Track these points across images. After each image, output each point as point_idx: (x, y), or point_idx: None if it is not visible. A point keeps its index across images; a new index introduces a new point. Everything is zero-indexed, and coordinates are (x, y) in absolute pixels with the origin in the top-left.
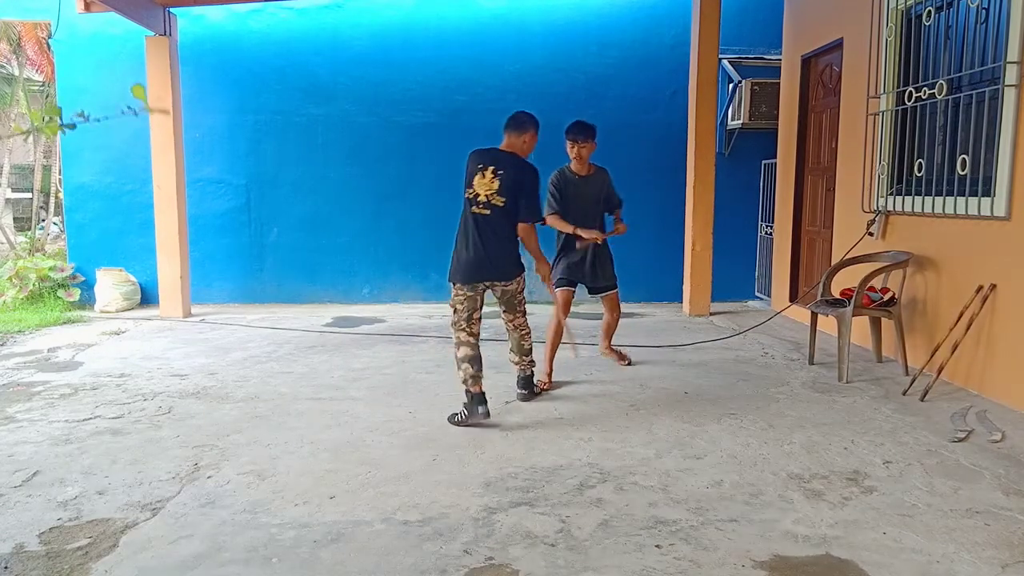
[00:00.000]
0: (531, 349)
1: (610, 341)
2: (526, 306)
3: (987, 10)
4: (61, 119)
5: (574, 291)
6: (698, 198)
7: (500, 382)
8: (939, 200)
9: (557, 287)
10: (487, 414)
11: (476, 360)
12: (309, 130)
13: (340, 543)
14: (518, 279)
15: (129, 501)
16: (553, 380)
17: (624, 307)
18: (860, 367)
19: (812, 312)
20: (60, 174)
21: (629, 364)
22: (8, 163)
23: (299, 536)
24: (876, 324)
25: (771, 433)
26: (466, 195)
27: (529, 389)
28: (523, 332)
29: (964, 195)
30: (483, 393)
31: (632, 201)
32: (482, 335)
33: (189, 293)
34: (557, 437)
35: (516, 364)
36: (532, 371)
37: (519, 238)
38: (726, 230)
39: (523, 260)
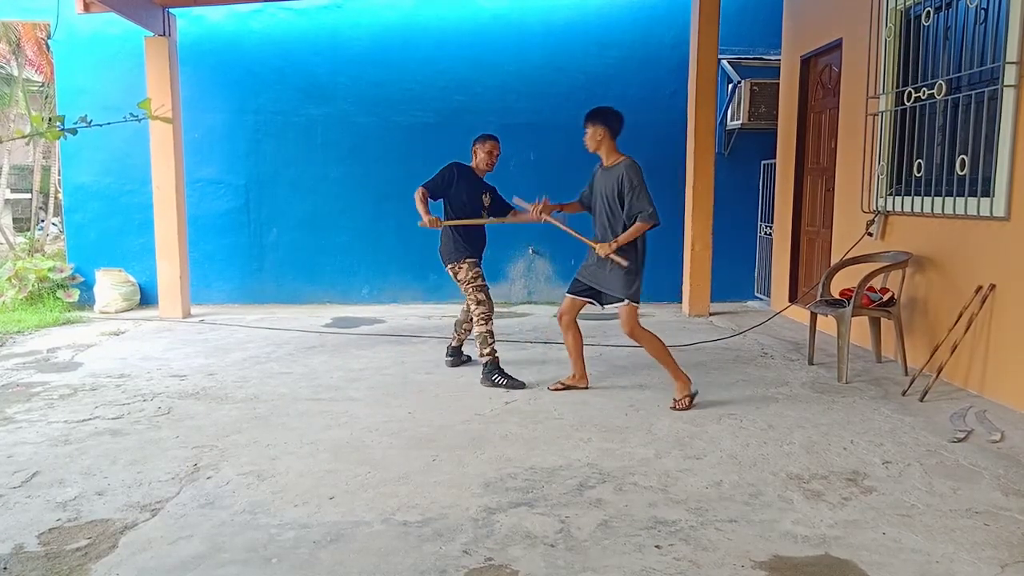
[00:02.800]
0: (474, 332)
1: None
2: (480, 295)
3: (986, 10)
4: (63, 124)
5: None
6: (697, 198)
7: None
8: (938, 200)
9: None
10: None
11: (458, 322)
12: (308, 130)
13: (340, 543)
14: (450, 267)
15: (128, 502)
16: (553, 379)
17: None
18: (859, 367)
19: (811, 312)
20: (59, 175)
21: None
22: (7, 163)
23: (299, 537)
24: (875, 324)
25: (771, 433)
26: None
27: (455, 357)
28: (472, 316)
29: (963, 195)
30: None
31: None
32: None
33: (188, 293)
34: (557, 437)
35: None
36: (458, 344)
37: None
38: (725, 230)
39: (458, 250)
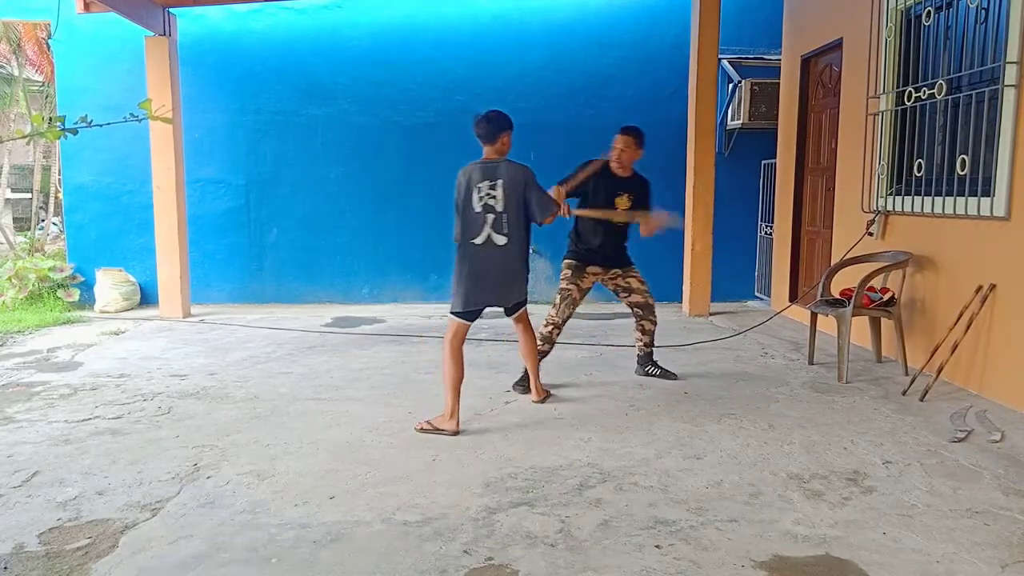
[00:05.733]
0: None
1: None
2: (556, 298)
3: (986, 10)
4: (63, 124)
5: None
6: (698, 198)
7: (499, 382)
8: (939, 200)
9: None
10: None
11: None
12: (309, 130)
13: (340, 543)
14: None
15: (129, 501)
16: (550, 381)
17: (623, 307)
18: (860, 367)
19: (812, 312)
20: (60, 174)
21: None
22: (8, 163)
23: (299, 536)
24: (876, 324)
25: (771, 433)
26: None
27: (640, 366)
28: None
29: (964, 195)
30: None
31: None
32: (481, 336)
33: (189, 293)
34: (557, 437)
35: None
36: (641, 352)
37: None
38: (726, 230)
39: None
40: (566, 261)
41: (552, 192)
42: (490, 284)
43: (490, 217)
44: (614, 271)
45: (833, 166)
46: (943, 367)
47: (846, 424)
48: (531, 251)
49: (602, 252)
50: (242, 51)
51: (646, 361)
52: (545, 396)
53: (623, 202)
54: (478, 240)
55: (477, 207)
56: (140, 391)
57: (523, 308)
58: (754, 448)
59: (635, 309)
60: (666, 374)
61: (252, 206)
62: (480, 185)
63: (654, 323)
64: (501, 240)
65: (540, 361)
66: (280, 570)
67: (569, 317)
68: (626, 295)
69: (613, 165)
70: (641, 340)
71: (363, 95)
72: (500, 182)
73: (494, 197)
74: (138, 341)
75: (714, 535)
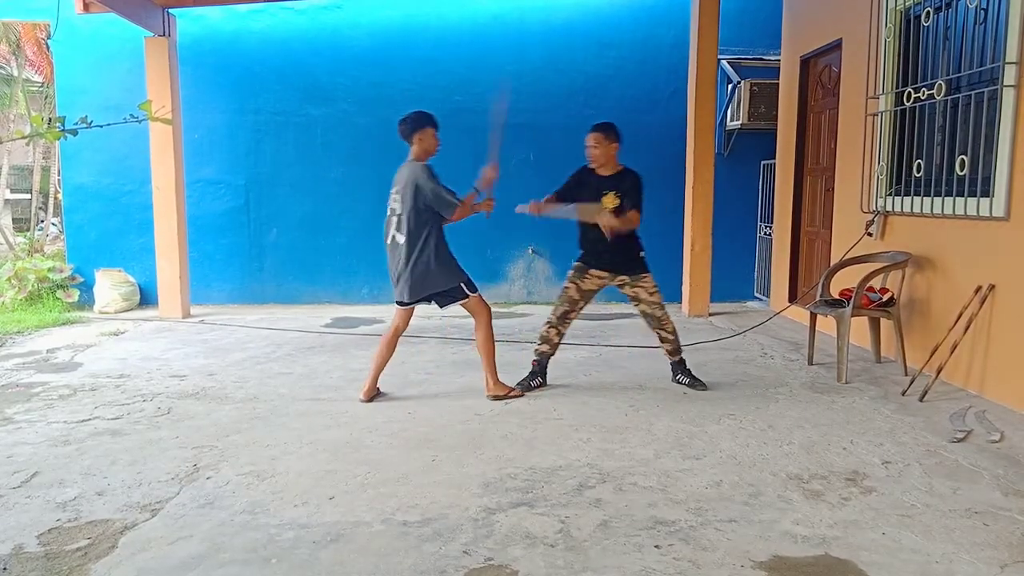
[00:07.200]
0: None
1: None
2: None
3: (986, 10)
4: (63, 125)
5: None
6: (697, 198)
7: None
8: (938, 200)
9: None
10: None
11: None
12: (308, 130)
13: (339, 544)
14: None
15: (128, 502)
16: (548, 381)
17: (623, 307)
18: (859, 367)
19: (811, 312)
20: (59, 175)
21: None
22: (7, 164)
23: (298, 537)
24: (875, 324)
25: (770, 433)
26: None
27: (672, 372)
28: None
29: (963, 195)
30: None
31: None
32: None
33: (188, 294)
34: (557, 437)
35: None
36: (669, 359)
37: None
38: (725, 230)
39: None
40: (574, 263)
41: (541, 203)
42: (393, 280)
43: (394, 219)
44: (621, 278)
45: (833, 166)
46: (942, 367)
47: (846, 424)
48: (530, 251)
49: (603, 256)
50: (242, 51)
51: (676, 369)
52: (501, 395)
53: (610, 200)
54: (387, 240)
55: (388, 209)
56: (140, 392)
57: (465, 300)
58: (754, 448)
59: (645, 319)
60: (695, 384)
61: (252, 206)
62: (392, 190)
63: (670, 332)
64: (401, 239)
65: (546, 360)
66: (280, 570)
67: (566, 316)
68: (635, 303)
69: (592, 164)
70: (663, 348)
71: (363, 95)
72: (399, 186)
73: (396, 200)
74: (138, 342)
75: (713, 535)
